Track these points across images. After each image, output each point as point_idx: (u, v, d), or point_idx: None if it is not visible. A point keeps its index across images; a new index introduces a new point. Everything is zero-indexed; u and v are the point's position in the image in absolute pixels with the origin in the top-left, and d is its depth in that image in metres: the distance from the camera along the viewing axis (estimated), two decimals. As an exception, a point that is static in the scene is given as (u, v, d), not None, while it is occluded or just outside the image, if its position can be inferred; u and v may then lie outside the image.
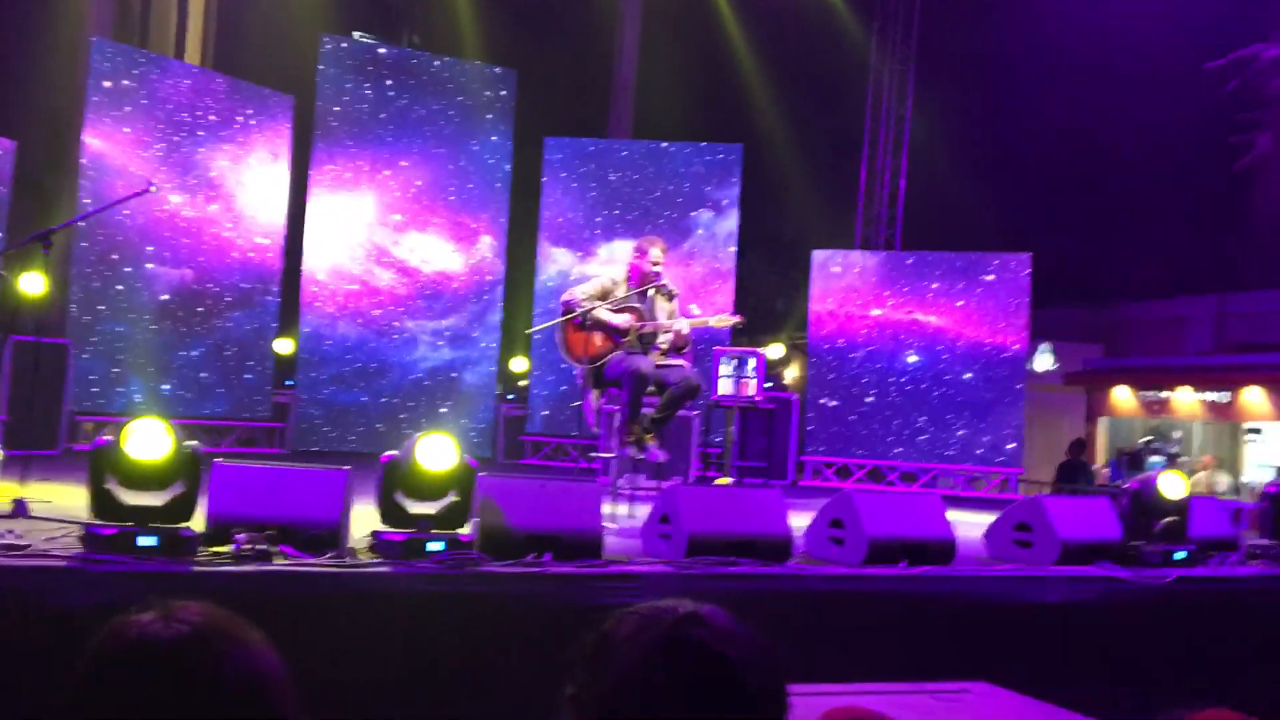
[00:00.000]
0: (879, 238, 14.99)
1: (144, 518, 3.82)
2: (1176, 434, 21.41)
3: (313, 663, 3.08)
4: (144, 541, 3.75)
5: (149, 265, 9.77)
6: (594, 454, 8.28)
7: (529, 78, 12.42)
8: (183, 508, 3.90)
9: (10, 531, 3.96)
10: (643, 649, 1.15)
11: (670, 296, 6.48)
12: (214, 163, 10.24)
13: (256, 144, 10.61)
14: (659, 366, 6.17)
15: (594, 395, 6.36)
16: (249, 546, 3.85)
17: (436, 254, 11.45)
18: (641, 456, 6.14)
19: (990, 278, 11.27)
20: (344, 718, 3.49)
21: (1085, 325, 22.75)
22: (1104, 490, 13.41)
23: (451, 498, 4.27)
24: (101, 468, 3.83)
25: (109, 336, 9.50)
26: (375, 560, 4.07)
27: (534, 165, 11.97)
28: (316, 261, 11.04)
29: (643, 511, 5.59)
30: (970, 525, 5.98)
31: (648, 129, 14.21)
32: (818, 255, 11.88)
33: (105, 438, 3.90)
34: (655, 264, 6.36)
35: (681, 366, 6.24)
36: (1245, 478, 18.61)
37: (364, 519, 4.40)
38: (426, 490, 4.23)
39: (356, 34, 13.75)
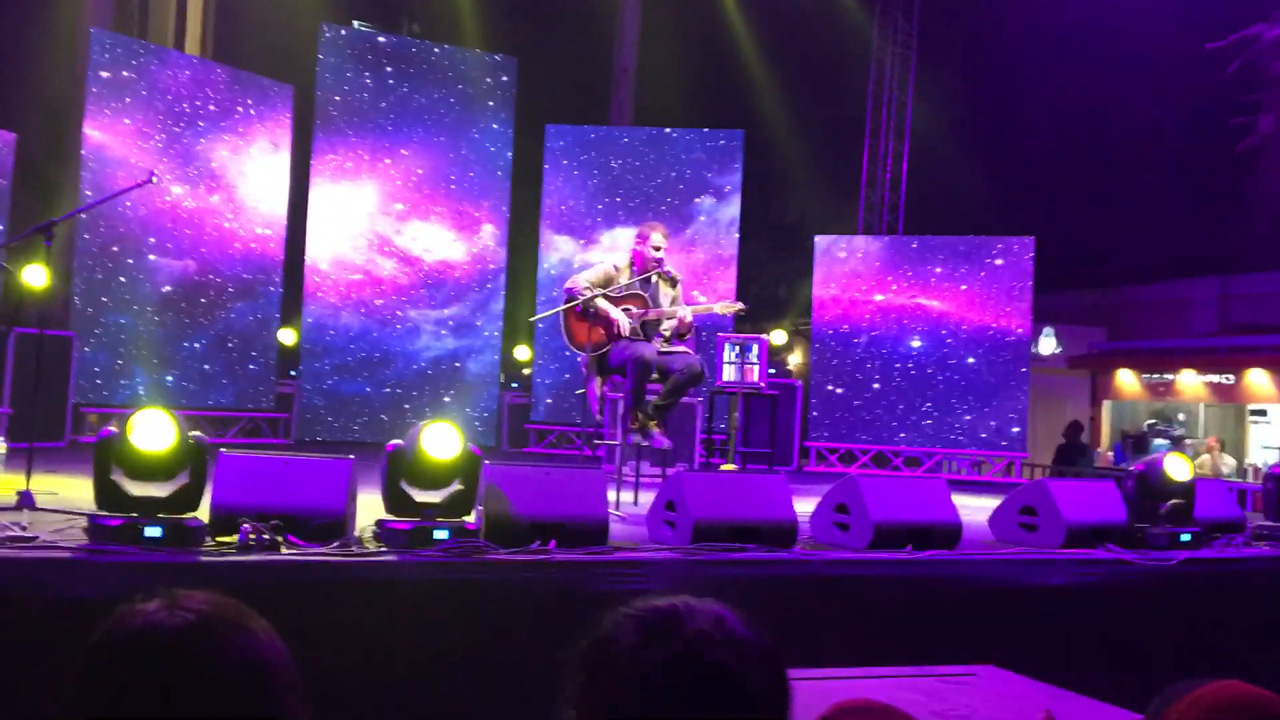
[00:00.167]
0: (881, 222, 14.98)
1: (149, 508, 3.82)
2: (1181, 417, 21.37)
3: (318, 651, 3.09)
4: (150, 532, 3.75)
5: (151, 257, 9.78)
6: (598, 441, 8.28)
7: (529, 65, 12.39)
8: (188, 498, 3.90)
9: (16, 524, 3.97)
10: (645, 665, 1.15)
11: (674, 282, 6.47)
12: (215, 153, 10.24)
13: (257, 134, 10.60)
14: (662, 353, 6.16)
15: (598, 383, 6.35)
16: (254, 536, 3.85)
17: (438, 243, 11.44)
18: (645, 443, 6.14)
19: (994, 262, 11.24)
20: (350, 706, 3.50)
21: (1089, 308, 22.71)
22: (1106, 472, 13.41)
23: (456, 486, 4.27)
24: (106, 459, 3.83)
25: (112, 328, 9.51)
26: (381, 549, 4.07)
27: (535, 153, 11.95)
28: (319, 251, 11.04)
29: (647, 498, 5.59)
30: (975, 509, 5.98)
31: (649, 116, 14.19)
32: (820, 240, 11.85)
33: (110, 429, 3.90)
34: (657, 249, 6.35)
35: (685, 353, 6.24)
36: (1250, 460, 18.60)
37: (369, 508, 4.41)
38: (431, 479, 4.23)
39: (356, 23, 13.73)
